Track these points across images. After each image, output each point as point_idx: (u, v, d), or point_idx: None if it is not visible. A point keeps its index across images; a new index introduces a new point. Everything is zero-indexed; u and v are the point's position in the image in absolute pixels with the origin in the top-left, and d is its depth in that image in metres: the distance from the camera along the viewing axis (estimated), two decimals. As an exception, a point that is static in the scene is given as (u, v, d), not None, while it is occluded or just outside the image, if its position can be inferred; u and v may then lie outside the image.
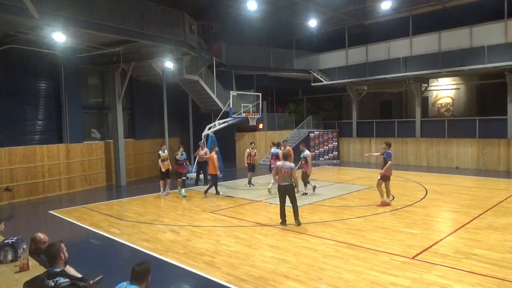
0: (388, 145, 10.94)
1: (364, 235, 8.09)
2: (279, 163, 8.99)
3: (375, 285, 5.60)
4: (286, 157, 9.17)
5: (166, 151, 13.62)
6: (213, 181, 12.93)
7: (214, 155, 13.08)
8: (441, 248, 7.16)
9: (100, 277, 4.04)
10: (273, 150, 13.88)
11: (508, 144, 17.57)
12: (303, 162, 12.51)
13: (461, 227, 8.51)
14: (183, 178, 13.62)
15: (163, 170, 13.38)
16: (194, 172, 17.07)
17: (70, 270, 3.92)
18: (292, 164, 8.96)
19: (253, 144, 14.88)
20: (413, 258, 6.67)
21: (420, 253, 6.90)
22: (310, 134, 23.08)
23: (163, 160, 13.38)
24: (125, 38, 12.97)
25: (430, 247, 7.21)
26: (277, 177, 9.01)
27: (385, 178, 10.63)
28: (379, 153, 11.71)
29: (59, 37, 11.54)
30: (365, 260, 6.63)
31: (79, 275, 3.92)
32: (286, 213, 9.00)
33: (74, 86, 15.07)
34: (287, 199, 8.91)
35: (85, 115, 16.08)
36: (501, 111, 18.20)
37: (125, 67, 15.86)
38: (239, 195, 12.94)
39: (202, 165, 15.46)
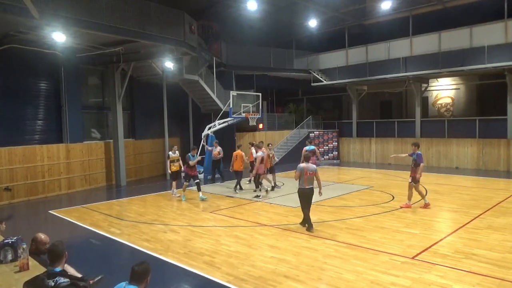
0: (417, 145, 10.63)
1: (364, 235, 8.09)
2: (303, 165, 8.51)
3: (375, 285, 5.60)
4: (308, 158, 8.75)
5: (176, 152, 13.29)
6: (239, 177, 13.38)
7: (241, 152, 13.52)
8: (441, 248, 7.17)
9: (99, 277, 4.04)
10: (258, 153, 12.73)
11: (508, 144, 17.57)
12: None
13: (461, 227, 8.51)
14: (196, 181, 12.44)
15: (170, 171, 13.18)
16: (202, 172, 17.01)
17: (70, 269, 3.93)
18: (315, 166, 8.71)
19: (270, 145, 14.35)
20: (413, 258, 6.67)
21: (420, 253, 6.90)
22: (310, 134, 23.08)
23: (172, 161, 13.04)
24: (125, 38, 12.98)
25: (430, 247, 7.22)
26: (299, 180, 8.50)
27: (415, 180, 10.38)
28: (407, 154, 11.19)
29: (59, 37, 11.54)
30: (365, 260, 6.63)
31: (79, 275, 3.92)
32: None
33: (74, 86, 15.07)
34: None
35: (85, 115, 16.09)
36: (501, 111, 18.20)
37: (125, 67, 15.87)
38: (239, 195, 12.92)
39: (217, 164, 15.71)
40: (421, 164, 10.34)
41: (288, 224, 9.12)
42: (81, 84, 15.89)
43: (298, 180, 8.55)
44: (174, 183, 13.21)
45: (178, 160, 13.19)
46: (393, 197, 11.94)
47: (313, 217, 9.69)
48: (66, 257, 3.76)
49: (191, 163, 12.31)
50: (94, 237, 8.75)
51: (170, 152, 13.24)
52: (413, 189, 10.48)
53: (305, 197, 8.57)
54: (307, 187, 8.51)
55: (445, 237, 7.85)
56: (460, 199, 11.53)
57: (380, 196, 12.33)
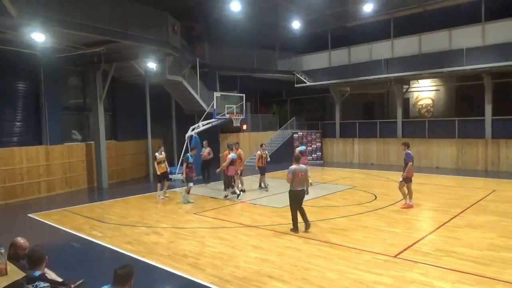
0: (406, 145, 10.64)
1: (347, 234, 8.17)
2: (294, 166, 8.34)
3: (358, 284, 5.66)
4: (298, 159, 8.58)
5: (163, 153, 13.06)
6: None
7: (240, 151, 13.43)
8: (423, 246, 7.30)
9: (81, 281, 3.97)
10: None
11: (486, 144, 18.04)
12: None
13: (442, 226, 8.69)
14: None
15: (159, 173, 12.81)
16: (178, 173, 16.96)
17: (51, 274, 3.85)
18: (306, 167, 8.70)
19: (263, 145, 14.55)
20: (395, 256, 6.77)
21: (402, 251, 7.01)
22: (294, 135, 23.22)
23: (159, 163, 12.82)
24: (106, 38, 12.78)
25: (411, 245, 7.34)
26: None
27: (407, 179, 10.38)
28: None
29: (38, 36, 11.27)
30: (348, 259, 6.70)
31: (60, 279, 3.84)
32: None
33: (54, 87, 14.76)
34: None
35: (65, 116, 15.78)
36: (479, 112, 18.67)
37: (107, 68, 15.63)
38: (222, 196, 12.88)
39: (206, 165, 15.77)
40: (409, 163, 10.35)
41: (273, 225, 9.14)
42: (61, 84, 15.57)
43: (290, 182, 8.35)
44: (159, 185, 13.01)
45: (164, 161, 13.02)
46: (376, 197, 12.11)
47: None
48: (46, 261, 3.69)
49: (189, 161, 12.04)
50: (75, 241, 8.58)
51: (157, 153, 13.01)
52: (404, 187, 10.48)
53: (297, 199, 8.45)
54: (299, 189, 8.38)
55: (426, 236, 8.00)
56: (441, 198, 11.76)
57: (363, 195, 12.48)
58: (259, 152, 14.11)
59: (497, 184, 14.15)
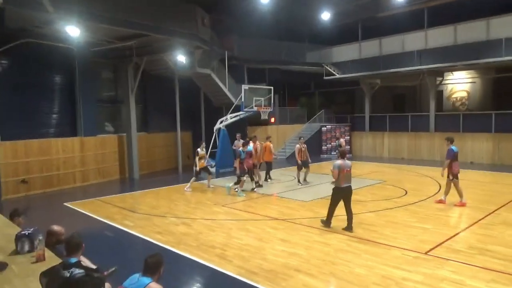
0: (450, 140, 10.00)
1: (376, 229, 8.05)
2: (340, 162, 8.01)
3: (387, 280, 5.58)
4: (344, 154, 8.33)
5: (204, 149, 13.34)
6: (269, 167, 14.17)
7: (270, 143, 14.09)
8: (454, 243, 7.09)
9: (113, 268, 4.10)
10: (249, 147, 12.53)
11: (525, 139, 17.21)
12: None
13: (475, 223, 8.40)
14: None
15: (198, 168, 12.90)
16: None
17: (85, 261, 3.99)
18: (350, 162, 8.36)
19: (302, 138, 14.30)
20: (425, 253, 6.62)
21: (433, 248, 6.84)
22: (322, 128, 22.96)
23: (200, 158, 12.95)
24: (138, 32, 13.05)
25: (443, 242, 7.14)
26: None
27: (454, 176, 9.94)
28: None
29: (73, 31, 11.65)
30: (377, 255, 6.60)
31: (94, 266, 3.99)
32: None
33: (87, 80, 15.23)
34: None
35: (98, 108, 16.27)
36: (518, 105, 17.81)
37: (138, 61, 15.97)
38: (268, 184, 12.96)
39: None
40: (446, 161, 9.90)
41: (300, 218, 9.12)
42: (94, 77, 16.05)
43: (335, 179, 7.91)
44: (193, 179, 13.05)
45: (204, 157, 13.28)
46: (406, 192, 11.83)
47: (325, 211, 9.66)
48: (83, 249, 3.84)
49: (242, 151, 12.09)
50: (108, 229, 8.89)
51: (199, 149, 13.12)
52: (452, 185, 10.02)
53: (342, 195, 8.05)
54: (344, 185, 7.97)
55: (458, 233, 7.76)
56: (475, 194, 11.35)
57: (392, 190, 12.23)
58: (297, 145, 13.49)
59: (536, 181, 13.52)
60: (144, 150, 17.71)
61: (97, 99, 16.03)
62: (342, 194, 8.03)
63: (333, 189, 8.17)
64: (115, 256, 6.98)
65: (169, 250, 7.19)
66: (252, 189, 12.62)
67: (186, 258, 6.79)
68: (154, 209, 10.51)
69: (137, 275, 3.58)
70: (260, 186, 13.14)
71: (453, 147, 9.98)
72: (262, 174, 14.14)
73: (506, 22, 17.04)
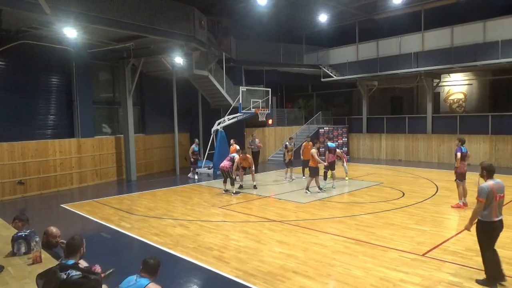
0: (461, 141, 9.91)
1: (373, 231, 8.05)
2: (489, 184, 5.19)
3: (384, 282, 5.58)
4: (492, 171, 5.37)
5: (198, 146, 15.62)
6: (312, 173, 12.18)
7: (314, 149, 12.33)
8: (452, 245, 7.10)
9: (111, 270, 4.09)
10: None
11: (521, 140, 17.29)
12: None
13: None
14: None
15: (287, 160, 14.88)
16: (204, 167, 17.14)
17: (82, 263, 3.98)
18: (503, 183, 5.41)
19: (308, 138, 15.55)
20: (423, 255, 6.62)
21: (430, 250, 6.85)
22: (320, 130, 22.99)
23: (289, 151, 14.86)
24: (135, 34, 13.05)
25: (440, 244, 7.15)
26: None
27: (459, 176, 9.87)
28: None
29: (70, 32, 11.65)
30: (374, 256, 6.60)
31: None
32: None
33: (85, 81, 15.22)
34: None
35: (96, 110, 16.25)
36: (515, 107, 17.91)
37: (136, 63, 15.95)
38: (247, 191, 12.95)
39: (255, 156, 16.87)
40: (457, 158, 9.83)
41: (297, 220, 9.12)
42: (92, 79, 16.04)
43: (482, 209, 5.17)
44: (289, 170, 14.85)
45: (292, 150, 15.06)
46: (404, 194, 11.86)
47: (322, 213, 9.71)
48: (82, 252, 3.84)
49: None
50: (105, 231, 8.86)
51: (287, 143, 15.13)
52: (460, 187, 9.97)
53: (495, 234, 5.30)
54: (496, 219, 5.19)
55: (456, 235, 7.77)
56: (472, 196, 11.28)
57: (390, 192, 12.25)
58: (314, 149, 12.41)
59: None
60: (142, 151, 17.69)
61: (94, 101, 16.00)
62: (496, 231, 5.26)
63: (481, 225, 5.30)
64: (112, 258, 6.96)
65: (166, 251, 7.17)
66: (226, 191, 12.54)
67: (183, 260, 6.78)
68: (151, 211, 10.49)
69: (134, 277, 3.57)
70: (240, 186, 13.20)
71: (463, 148, 9.97)
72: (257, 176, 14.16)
73: (503, 24, 17.15)
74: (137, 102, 17.87)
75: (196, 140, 16.99)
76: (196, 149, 16.38)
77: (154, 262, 3.63)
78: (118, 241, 8.25)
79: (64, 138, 14.51)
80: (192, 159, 16.32)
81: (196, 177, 16.18)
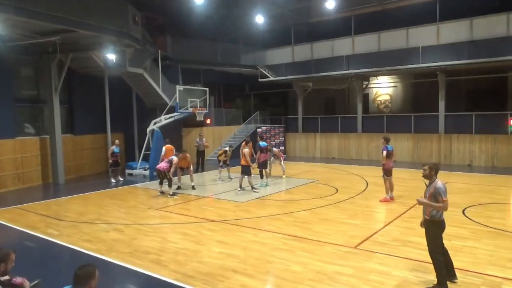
0: (386, 140, 10.78)
1: (310, 227, 8.33)
2: (443, 183, 5.27)
3: (321, 275, 5.80)
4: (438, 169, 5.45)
5: (118, 148, 14.58)
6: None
7: (246, 149, 12.53)
8: (380, 237, 7.59)
9: (36, 281, 3.80)
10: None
11: (439, 138, 18.99)
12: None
13: (398, 217, 9.07)
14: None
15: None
16: (140, 168, 16.58)
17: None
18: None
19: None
20: (355, 247, 6.99)
21: (362, 242, 7.25)
22: (258, 130, 23.30)
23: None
24: (62, 27, 12.17)
25: (370, 236, 7.61)
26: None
27: (386, 172, 10.62)
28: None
29: (-14, 23, 10.58)
30: (311, 251, 6.84)
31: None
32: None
33: (3, 77, 13.92)
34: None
35: (17, 108, 14.94)
36: (434, 108, 19.57)
37: (63, 58, 14.90)
38: (186, 192, 12.74)
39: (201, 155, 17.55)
40: (384, 157, 10.68)
41: (237, 219, 9.15)
42: (11, 75, 14.71)
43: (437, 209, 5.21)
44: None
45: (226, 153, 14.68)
46: (337, 190, 12.42)
47: (261, 211, 9.85)
48: (7, 265, 3.56)
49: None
50: (30, 240, 8.18)
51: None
52: (386, 182, 10.75)
53: (442, 232, 5.38)
54: (443, 217, 5.34)
55: (384, 227, 8.31)
56: (397, 191, 12.20)
57: (324, 189, 12.77)
58: (246, 149, 12.61)
59: (448, 177, 14.88)
60: (70, 153, 16.60)
61: (15, 99, 14.71)
62: (442, 229, 5.37)
63: (433, 224, 5.31)
64: (40, 268, 6.44)
65: (100, 258, 6.80)
66: (162, 193, 12.34)
67: (118, 266, 6.47)
68: (82, 216, 9.88)
69: (67, 288, 3.33)
70: (179, 187, 13.06)
71: (388, 146, 10.78)
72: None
73: (423, 32, 18.70)
74: (65, 100, 16.73)
75: (117, 141, 15.67)
76: (117, 150, 15.19)
77: (85, 272, 3.39)
78: (46, 250, 7.66)
79: (-21, 140, 13.17)
80: (110, 161, 15.20)
81: (121, 179, 15.44)
